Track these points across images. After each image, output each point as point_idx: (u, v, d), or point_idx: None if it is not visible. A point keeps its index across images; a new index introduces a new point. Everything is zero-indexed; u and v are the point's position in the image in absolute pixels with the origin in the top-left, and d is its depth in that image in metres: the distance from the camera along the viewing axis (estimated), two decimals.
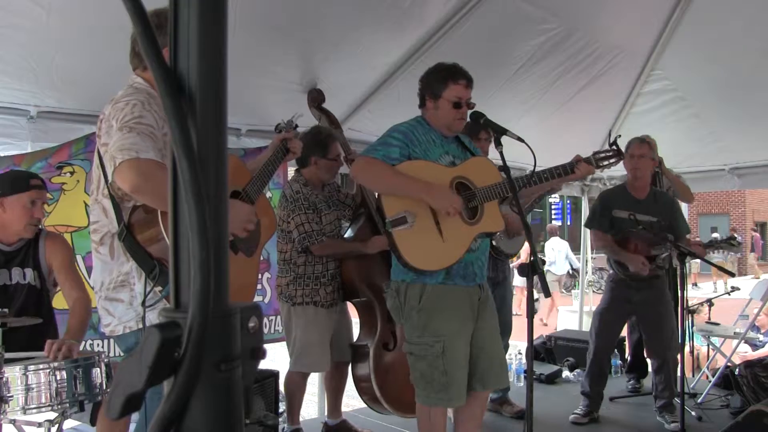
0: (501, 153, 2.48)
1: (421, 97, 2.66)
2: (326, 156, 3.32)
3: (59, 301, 2.88)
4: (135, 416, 2.18)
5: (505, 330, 4.00)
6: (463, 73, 2.60)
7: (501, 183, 2.54)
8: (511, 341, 4.21)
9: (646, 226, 3.71)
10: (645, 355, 4.26)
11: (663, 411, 3.86)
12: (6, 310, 2.30)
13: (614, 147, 2.74)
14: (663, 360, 3.84)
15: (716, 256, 18.22)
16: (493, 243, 3.63)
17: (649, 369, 4.66)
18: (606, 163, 2.71)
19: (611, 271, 4.02)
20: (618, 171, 5.29)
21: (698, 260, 4.18)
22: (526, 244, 3.75)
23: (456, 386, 2.47)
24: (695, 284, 17.01)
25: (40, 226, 2.76)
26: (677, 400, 3.88)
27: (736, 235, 4.40)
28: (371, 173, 2.52)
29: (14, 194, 2.62)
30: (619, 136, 2.81)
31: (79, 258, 3.31)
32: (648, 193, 3.90)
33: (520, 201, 2.51)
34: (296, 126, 2.88)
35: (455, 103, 2.56)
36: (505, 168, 2.46)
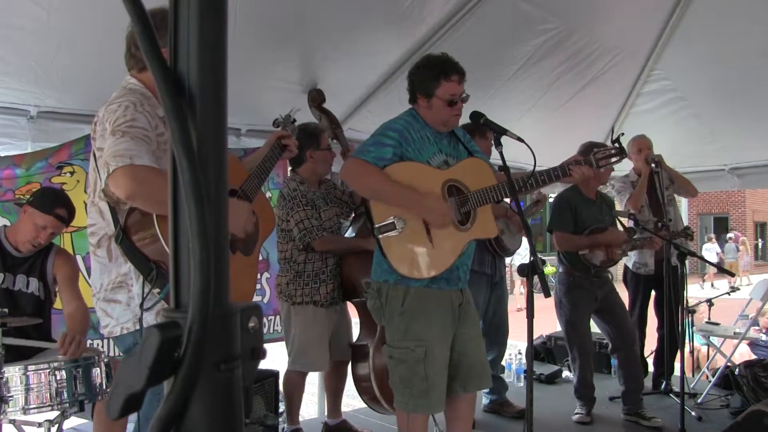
0: (501, 153, 2.45)
1: (412, 93, 2.55)
2: (319, 147, 3.37)
3: (57, 302, 2.91)
4: (134, 416, 2.18)
5: (503, 330, 4.01)
6: (455, 67, 2.47)
7: (494, 186, 2.47)
8: (511, 341, 4.21)
9: (646, 226, 3.78)
10: (610, 352, 4.30)
11: (636, 410, 3.87)
12: (6, 310, 2.31)
13: (617, 145, 2.63)
14: (628, 354, 3.89)
15: (729, 257, 18.29)
16: (499, 237, 3.62)
17: (650, 369, 4.68)
18: (607, 163, 2.64)
19: (561, 272, 4.01)
20: (618, 171, 5.31)
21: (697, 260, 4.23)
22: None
23: (436, 392, 2.39)
24: (712, 284, 17.06)
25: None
26: (676, 398, 3.89)
27: (689, 226, 4.43)
28: (362, 179, 2.42)
29: (35, 209, 2.66)
30: (622, 134, 2.69)
31: (79, 258, 3.31)
32: (596, 193, 4.01)
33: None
34: (294, 120, 2.86)
35: (449, 101, 2.46)
36: (505, 168, 2.44)
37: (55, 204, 2.71)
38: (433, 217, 2.34)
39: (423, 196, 2.35)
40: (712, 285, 17.14)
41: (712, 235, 20.32)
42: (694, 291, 13.57)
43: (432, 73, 2.47)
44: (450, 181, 2.47)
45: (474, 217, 2.48)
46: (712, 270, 16.59)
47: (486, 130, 3.39)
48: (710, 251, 18.55)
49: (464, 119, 2.73)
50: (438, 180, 2.44)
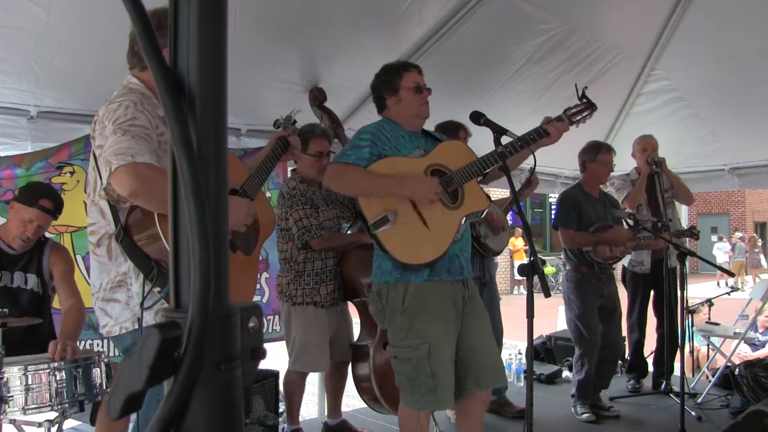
0: (501, 153, 2.45)
1: (379, 100, 2.66)
2: (306, 151, 3.28)
3: (56, 301, 2.91)
4: (133, 416, 2.18)
5: (496, 330, 4.00)
6: (411, 63, 2.69)
7: (476, 161, 2.49)
8: (511, 341, 4.21)
9: (645, 225, 3.81)
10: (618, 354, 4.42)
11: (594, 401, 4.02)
12: (6, 310, 2.31)
13: (584, 99, 2.66)
14: (611, 356, 4.06)
15: (738, 257, 18.36)
16: (481, 241, 3.63)
17: (650, 369, 4.69)
18: (579, 117, 2.64)
19: (568, 270, 4.06)
20: (619, 170, 5.32)
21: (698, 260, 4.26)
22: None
23: (443, 388, 2.40)
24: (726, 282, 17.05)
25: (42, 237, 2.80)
26: (676, 398, 3.88)
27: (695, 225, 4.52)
28: (344, 179, 2.47)
29: (20, 204, 2.66)
30: (586, 87, 2.71)
31: (78, 258, 3.31)
32: (600, 192, 4.12)
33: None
34: (295, 122, 2.85)
35: (415, 88, 2.57)
36: (504, 168, 2.45)
37: (38, 196, 2.69)
38: (418, 196, 2.37)
39: (404, 178, 2.40)
40: (726, 284, 17.16)
41: (723, 235, 20.40)
42: (711, 289, 13.52)
43: (393, 71, 2.63)
44: (432, 166, 2.50)
45: (462, 194, 2.51)
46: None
47: (458, 131, 3.44)
48: (722, 250, 18.71)
49: (464, 119, 2.74)
50: (419, 167, 2.49)
